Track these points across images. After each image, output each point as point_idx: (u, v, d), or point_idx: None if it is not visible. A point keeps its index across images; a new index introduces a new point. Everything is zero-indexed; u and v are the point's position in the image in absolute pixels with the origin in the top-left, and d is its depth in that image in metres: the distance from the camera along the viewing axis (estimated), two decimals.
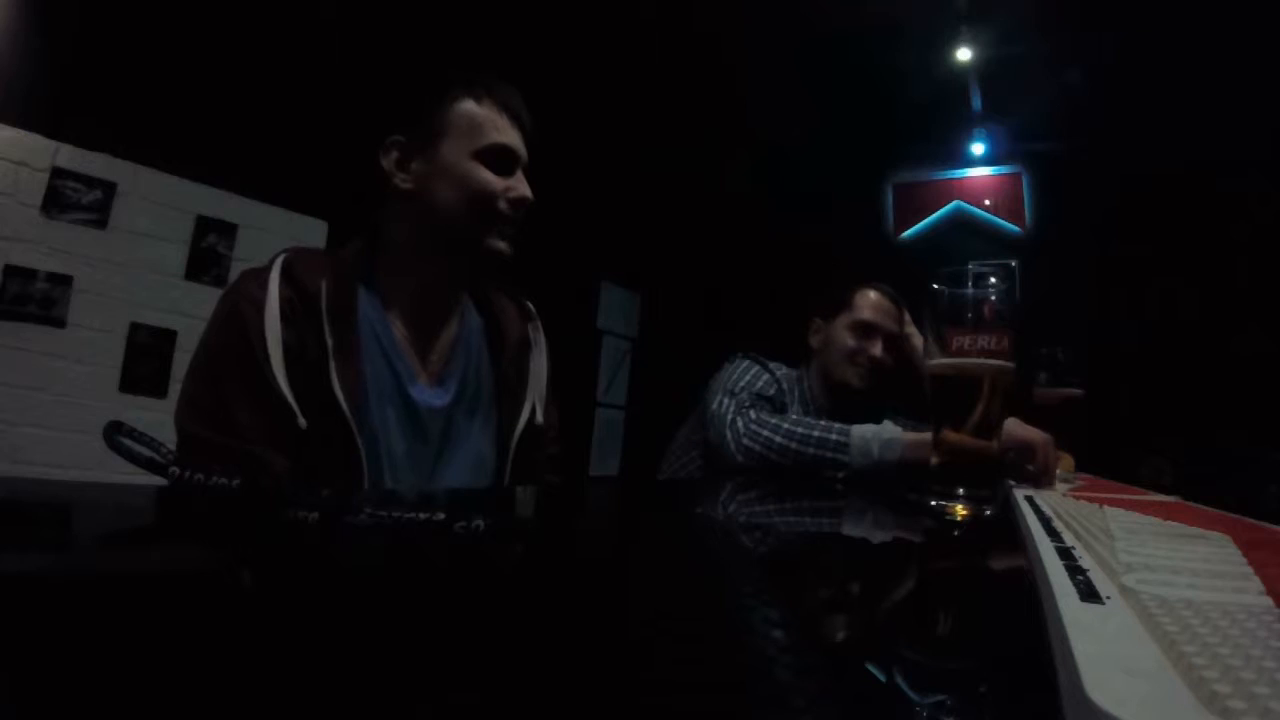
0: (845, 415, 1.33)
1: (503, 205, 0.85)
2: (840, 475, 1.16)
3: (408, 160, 0.86)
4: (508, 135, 0.86)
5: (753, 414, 1.25)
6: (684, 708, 0.19)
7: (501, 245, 0.87)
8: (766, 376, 1.40)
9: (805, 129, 3.79)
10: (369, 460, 0.77)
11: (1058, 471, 1.02)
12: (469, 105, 0.85)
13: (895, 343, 1.48)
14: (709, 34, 3.21)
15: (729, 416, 1.26)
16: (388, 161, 0.86)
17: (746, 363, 1.43)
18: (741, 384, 1.35)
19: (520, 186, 0.87)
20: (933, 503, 0.66)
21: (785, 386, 1.43)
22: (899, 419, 1.43)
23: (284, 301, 0.77)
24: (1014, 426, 1.05)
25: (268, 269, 0.80)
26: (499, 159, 0.86)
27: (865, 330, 1.46)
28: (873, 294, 1.49)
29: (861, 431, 1.16)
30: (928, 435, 1.13)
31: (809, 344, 1.54)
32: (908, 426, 1.23)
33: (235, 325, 0.76)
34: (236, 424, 0.72)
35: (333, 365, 0.77)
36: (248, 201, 2.49)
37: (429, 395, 0.86)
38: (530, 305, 1.03)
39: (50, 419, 2.06)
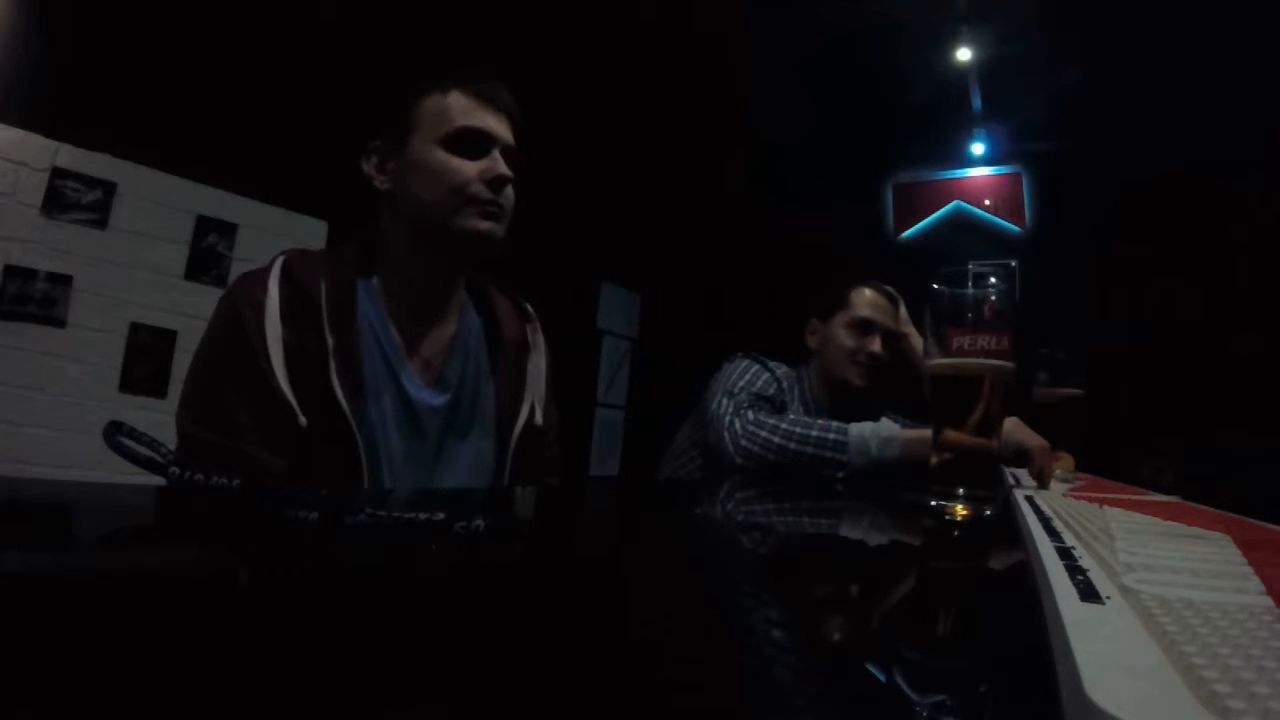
0: (846, 414, 1.33)
1: (476, 188, 0.83)
2: (840, 474, 1.16)
3: (385, 162, 0.87)
4: (476, 118, 0.84)
5: (750, 415, 1.25)
6: (684, 708, 0.19)
7: (484, 225, 0.84)
8: (766, 375, 1.40)
9: (805, 129, 3.79)
10: (368, 459, 0.77)
11: (1057, 471, 1.02)
12: (435, 98, 0.85)
13: (893, 339, 1.48)
14: (709, 34, 3.21)
15: (727, 418, 1.26)
16: (368, 166, 0.87)
17: (746, 362, 1.43)
18: (741, 384, 1.35)
19: (495, 165, 0.84)
20: (932, 502, 0.66)
21: (785, 385, 1.43)
22: (896, 417, 1.43)
23: (283, 302, 0.77)
24: (1014, 428, 1.06)
25: (267, 270, 0.80)
26: (468, 143, 0.84)
27: (863, 328, 1.46)
28: (869, 292, 1.49)
29: (859, 430, 1.16)
30: (926, 432, 1.13)
31: (806, 345, 1.54)
32: (905, 425, 1.23)
33: (234, 326, 0.76)
34: (236, 425, 0.72)
35: (333, 364, 0.77)
36: (248, 201, 2.49)
37: (427, 394, 0.86)
38: (529, 306, 1.03)
39: (50, 419, 2.06)
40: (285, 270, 0.80)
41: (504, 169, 0.84)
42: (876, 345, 1.45)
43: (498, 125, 0.86)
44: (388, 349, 0.84)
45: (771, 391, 1.38)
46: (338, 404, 0.75)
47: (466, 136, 0.84)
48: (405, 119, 0.85)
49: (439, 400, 0.87)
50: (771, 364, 1.45)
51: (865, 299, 1.48)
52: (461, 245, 0.85)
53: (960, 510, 0.63)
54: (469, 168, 0.83)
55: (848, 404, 1.46)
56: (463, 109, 0.84)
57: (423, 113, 0.85)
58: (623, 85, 3.40)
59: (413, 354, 0.87)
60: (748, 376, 1.38)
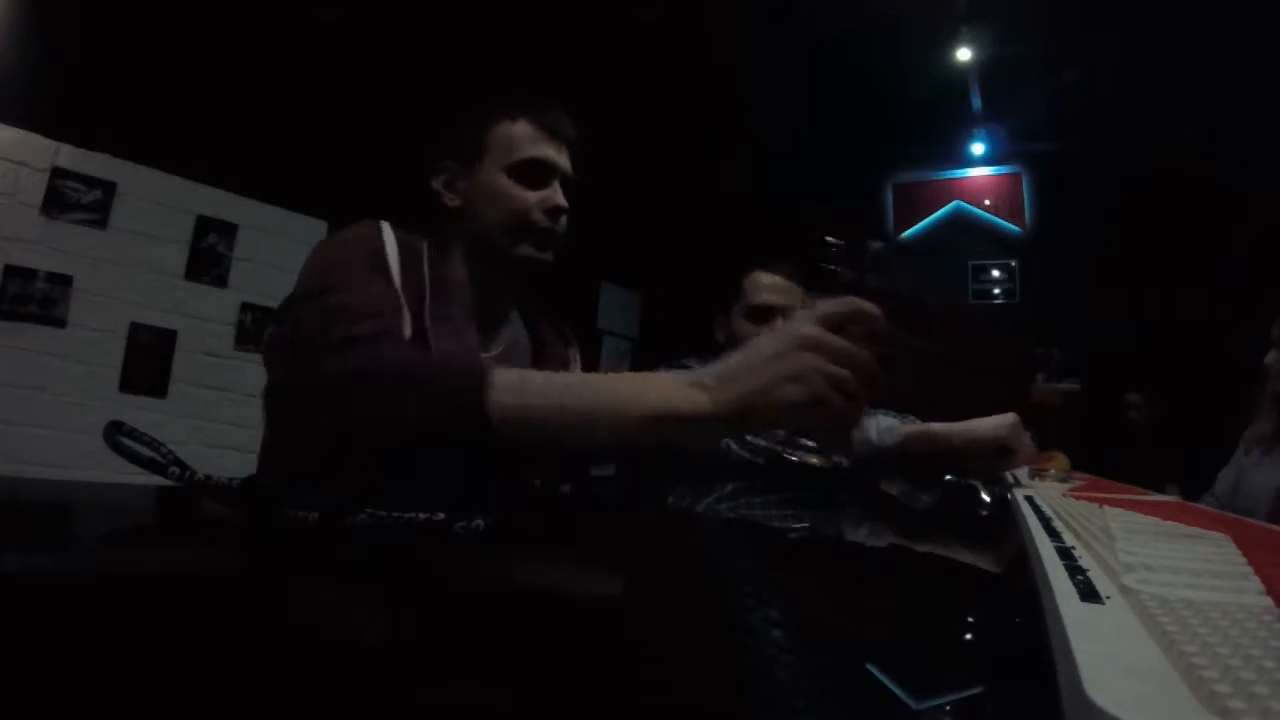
0: None
1: (536, 216, 0.89)
2: (845, 465, 1.15)
3: (455, 181, 0.92)
4: (540, 149, 0.90)
5: None
6: (684, 708, 0.19)
7: (536, 254, 0.90)
8: None
9: (805, 129, 3.79)
10: None
11: (1051, 471, 1.02)
12: (505, 125, 0.91)
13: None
14: (709, 34, 3.21)
15: None
16: (438, 183, 0.92)
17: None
18: None
19: (554, 196, 0.90)
20: (791, 455, 0.64)
21: None
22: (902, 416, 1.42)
23: (399, 243, 0.82)
24: (1000, 425, 1.07)
25: (375, 221, 0.84)
26: (532, 172, 0.90)
27: (762, 314, 1.40)
28: (764, 276, 1.44)
29: None
30: (926, 426, 1.13)
31: (716, 340, 1.48)
32: (904, 421, 1.24)
33: (356, 235, 0.80)
34: (365, 290, 0.73)
35: (428, 308, 0.81)
36: (248, 201, 2.49)
37: None
38: (569, 331, 1.08)
39: (50, 419, 2.06)
40: (390, 225, 0.85)
41: (561, 200, 0.90)
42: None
43: (558, 156, 0.92)
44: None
45: None
46: (428, 342, 0.78)
47: (531, 166, 0.89)
48: (476, 144, 0.91)
49: None
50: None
51: (761, 284, 1.43)
52: (515, 267, 0.91)
53: (811, 460, 0.63)
54: (530, 197, 0.89)
55: None
56: (529, 139, 0.90)
57: (493, 139, 0.90)
58: (622, 85, 3.40)
59: (486, 349, 0.92)
60: None
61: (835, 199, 4.18)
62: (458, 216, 0.92)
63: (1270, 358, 1.68)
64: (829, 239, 0.66)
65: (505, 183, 0.89)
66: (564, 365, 1.02)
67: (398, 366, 0.61)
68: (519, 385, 0.56)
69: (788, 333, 0.54)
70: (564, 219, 0.92)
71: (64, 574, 0.30)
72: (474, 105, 0.94)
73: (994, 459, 1.09)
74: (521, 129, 0.90)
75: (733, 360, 0.55)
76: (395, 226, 0.88)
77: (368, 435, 0.58)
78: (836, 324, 0.54)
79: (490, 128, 0.91)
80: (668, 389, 0.54)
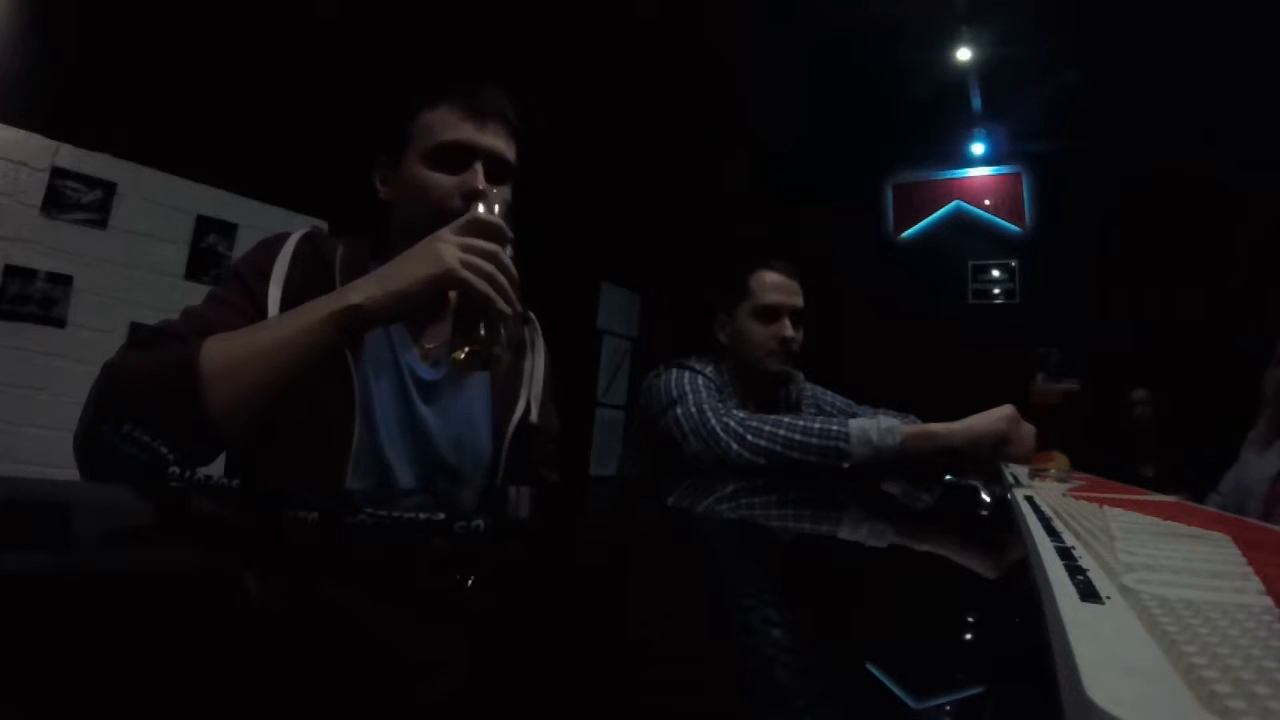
0: (770, 397, 1.42)
1: (455, 203, 0.84)
2: (845, 465, 1.15)
3: (387, 174, 0.91)
4: (457, 132, 0.86)
5: (739, 414, 1.23)
6: (684, 708, 0.19)
7: None
8: (701, 379, 1.35)
9: (805, 129, 3.79)
10: (362, 406, 0.79)
11: (1052, 470, 1.02)
12: (426, 113, 0.87)
13: (803, 316, 1.45)
14: (709, 34, 3.21)
15: (713, 421, 1.22)
16: (375, 178, 0.92)
17: (675, 372, 1.37)
18: (688, 390, 1.30)
19: (471, 180, 0.85)
20: None
21: (716, 385, 1.39)
22: (902, 415, 1.42)
23: (299, 250, 0.83)
24: (1004, 418, 1.08)
25: (289, 232, 0.87)
26: (449, 157, 0.86)
27: (770, 314, 1.42)
28: (769, 275, 1.44)
29: (858, 423, 1.17)
30: (927, 426, 1.13)
31: (718, 339, 1.48)
32: (905, 421, 1.24)
33: (244, 260, 0.83)
34: (193, 314, 0.76)
35: None
36: (248, 201, 2.49)
37: (422, 370, 0.88)
38: (529, 311, 1.04)
39: (50, 419, 2.06)
40: (305, 234, 0.87)
41: (477, 183, 0.85)
42: (787, 329, 1.41)
43: (480, 136, 0.87)
44: (393, 330, 0.87)
45: (710, 392, 1.35)
46: None
47: (447, 151, 0.86)
48: (401, 135, 0.88)
49: (432, 376, 0.89)
50: (696, 365, 1.41)
51: (767, 283, 1.43)
52: None
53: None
54: (448, 183, 0.85)
55: (769, 387, 1.46)
56: (447, 123, 0.86)
57: (415, 129, 0.88)
58: (623, 85, 3.40)
59: (415, 341, 0.90)
60: (696, 384, 1.32)
61: (835, 199, 4.19)
62: (391, 208, 0.90)
63: (1269, 375, 1.73)
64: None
65: (423, 172, 0.85)
66: (520, 344, 1.00)
67: (133, 362, 0.72)
68: (221, 335, 0.68)
69: (424, 240, 0.71)
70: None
71: (63, 574, 0.30)
72: (396, 97, 0.91)
73: (995, 451, 1.10)
74: (440, 114, 0.87)
75: (383, 267, 0.71)
76: (329, 232, 0.90)
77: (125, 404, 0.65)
78: (464, 231, 0.72)
79: (414, 116, 0.88)
80: (334, 297, 0.69)
